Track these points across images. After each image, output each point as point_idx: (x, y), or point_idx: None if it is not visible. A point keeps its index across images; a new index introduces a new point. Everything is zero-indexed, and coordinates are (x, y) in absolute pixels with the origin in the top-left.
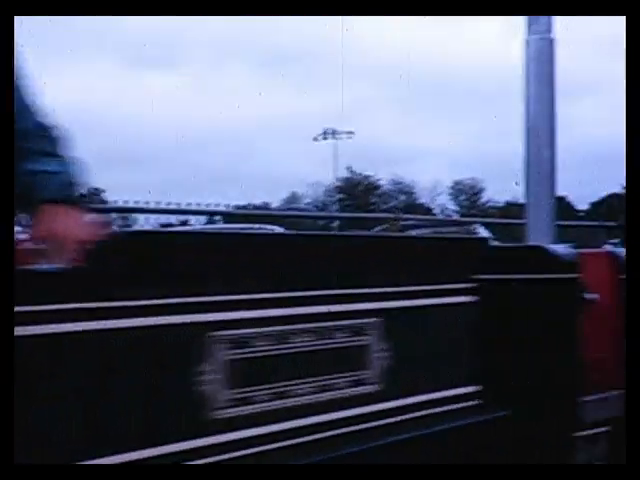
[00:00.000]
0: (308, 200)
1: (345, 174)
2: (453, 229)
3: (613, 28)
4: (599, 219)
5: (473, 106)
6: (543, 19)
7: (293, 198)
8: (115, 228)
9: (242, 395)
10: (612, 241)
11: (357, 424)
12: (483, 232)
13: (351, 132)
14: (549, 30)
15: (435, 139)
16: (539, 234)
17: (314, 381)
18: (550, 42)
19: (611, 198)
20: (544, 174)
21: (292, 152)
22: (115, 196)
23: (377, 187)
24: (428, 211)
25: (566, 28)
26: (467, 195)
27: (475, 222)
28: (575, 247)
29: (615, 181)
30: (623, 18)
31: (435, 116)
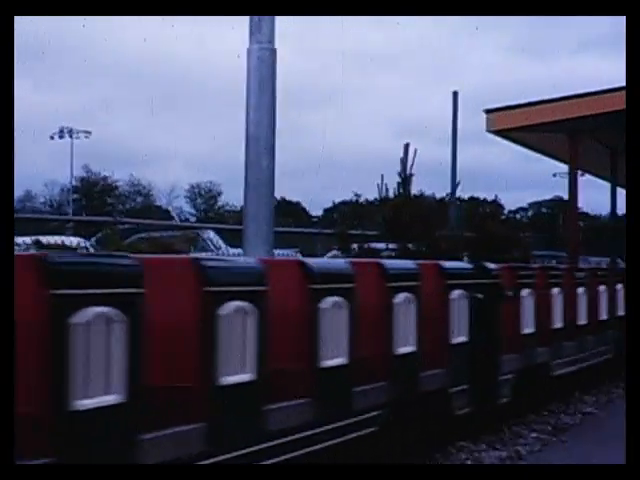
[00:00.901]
0: (42, 200)
1: (82, 174)
2: (178, 233)
3: (360, 44)
4: (330, 226)
5: (216, 110)
6: (265, 29)
7: (27, 197)
8: None
9: None
10: (334, 247)
11: None
12: (213, 237)
13: (88, 131)
14: (271, 40)
15: (175, 141)
16: (258, 241)
17: None
18: (271, 52)
19: (343, 205)
20: (263, 181)
21: (27, 150)
22: None
23: (114, 188)
24: (165, 214)
25: (313, 40)
26: (204, 198)
27: (202, 227)
28: (301, 253)
29: (348, 188)
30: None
31: (176, 119)
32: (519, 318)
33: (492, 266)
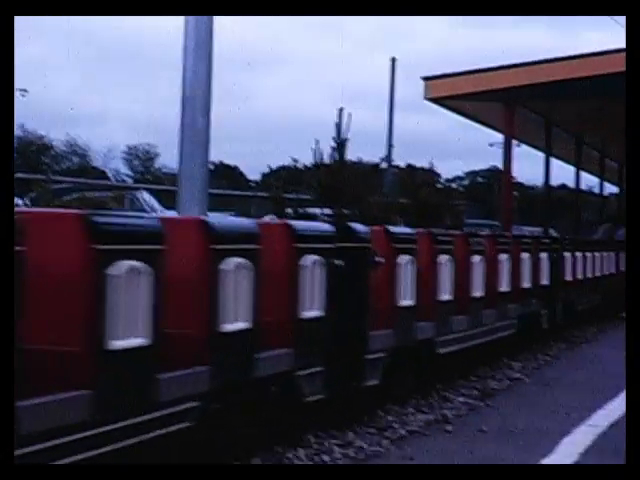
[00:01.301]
0: None
1: (17, 133)
2: (112, 194)
3: None
4: (266, 190)
5: (155, 71)
6: None
7: None
8: None
9: None
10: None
11: None
12: (148, 198)
13: (24, 90)
14: None
15: (114, 103)
16: (192, 201)
17: None
18: None
19: (281, 170)
20: (198, 143)
21: None
22: None
23: (50, 148)
24: (101, 175)
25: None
26: (141, 160)
27: (137, 187)
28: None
29: (286, 153)
30: None
31: (116, 80)
32: (394, 289)
33: (360, 228)
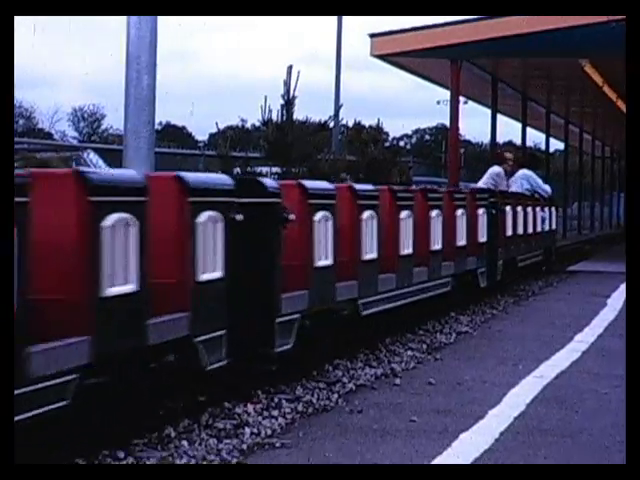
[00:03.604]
0: None
1: None
2: (56, 155)
3: None
4: (216, 149)
5: (111, 32)
6: None
7: None
8: None
9: None
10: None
11: None
12: (94, 157)
13: None
14: None
15: (63, 64)
16: (138, 160)
17: None
18: None
19: (229, 130)
20: (144, 101)
21: None
22: None
23: None
24: (48, 136)
25: None
26: (88, 122)
27: (84, 147)
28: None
29: (234, 113)
30: None
31: (62, 41)
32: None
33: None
